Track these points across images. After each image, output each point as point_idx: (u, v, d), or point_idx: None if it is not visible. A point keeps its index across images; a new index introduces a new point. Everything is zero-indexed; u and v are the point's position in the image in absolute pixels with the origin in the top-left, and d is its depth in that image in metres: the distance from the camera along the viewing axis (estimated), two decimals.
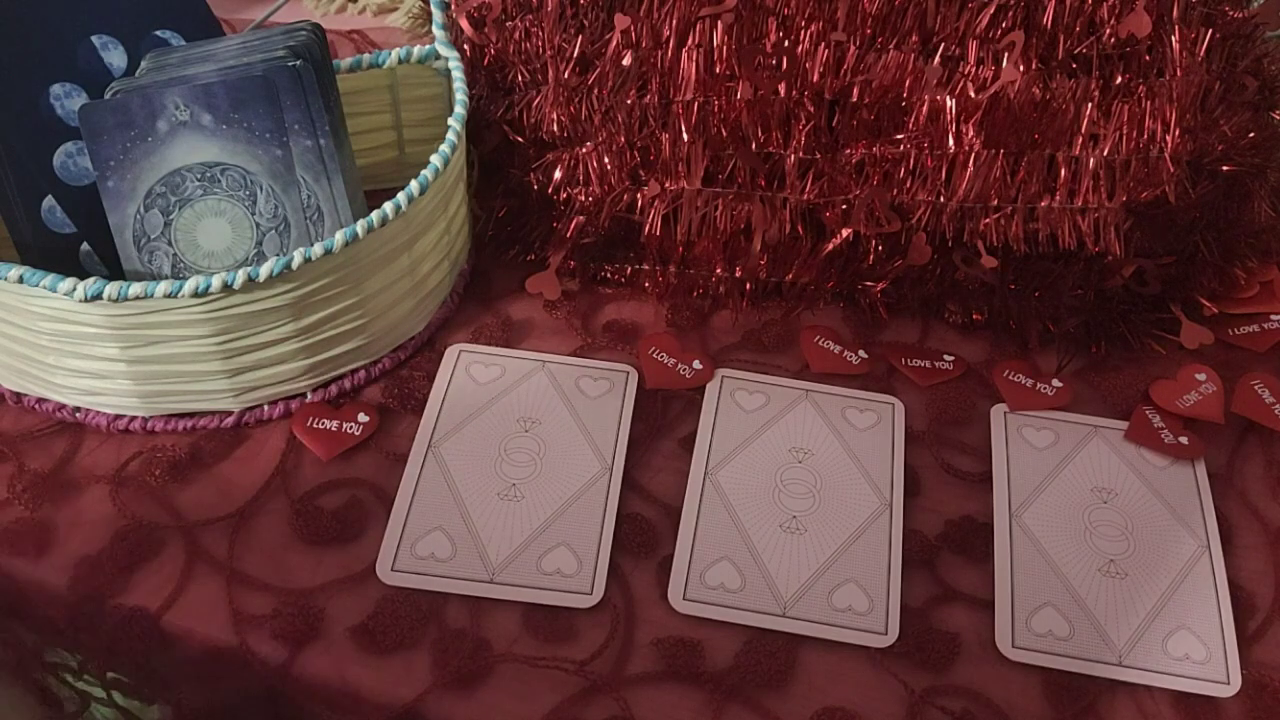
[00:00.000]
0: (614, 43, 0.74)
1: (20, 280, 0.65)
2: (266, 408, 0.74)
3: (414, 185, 0.71)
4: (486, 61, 0.80)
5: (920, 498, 0.73)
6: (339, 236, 0.68)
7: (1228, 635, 0.67)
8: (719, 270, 0.81)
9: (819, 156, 0.74)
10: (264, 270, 0.66)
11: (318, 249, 0.67)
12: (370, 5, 1.05)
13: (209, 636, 0.65)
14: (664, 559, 0.69)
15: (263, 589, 0.67)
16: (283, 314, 0.69)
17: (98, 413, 0.73)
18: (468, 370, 0.78)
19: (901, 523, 0.71)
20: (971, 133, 0.71)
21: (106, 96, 0.69)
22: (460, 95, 0.77)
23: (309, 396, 0.75)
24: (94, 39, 0.74)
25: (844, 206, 0.75)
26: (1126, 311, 0.79)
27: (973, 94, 0.71)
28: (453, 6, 0.81)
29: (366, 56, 0.82)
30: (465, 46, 0.81)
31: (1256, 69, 0.77)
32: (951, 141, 0.71)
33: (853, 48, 0.72)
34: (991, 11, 0.73)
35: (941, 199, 0.73)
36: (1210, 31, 0.74)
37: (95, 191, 0.70)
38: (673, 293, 0.83)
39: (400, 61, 0.82)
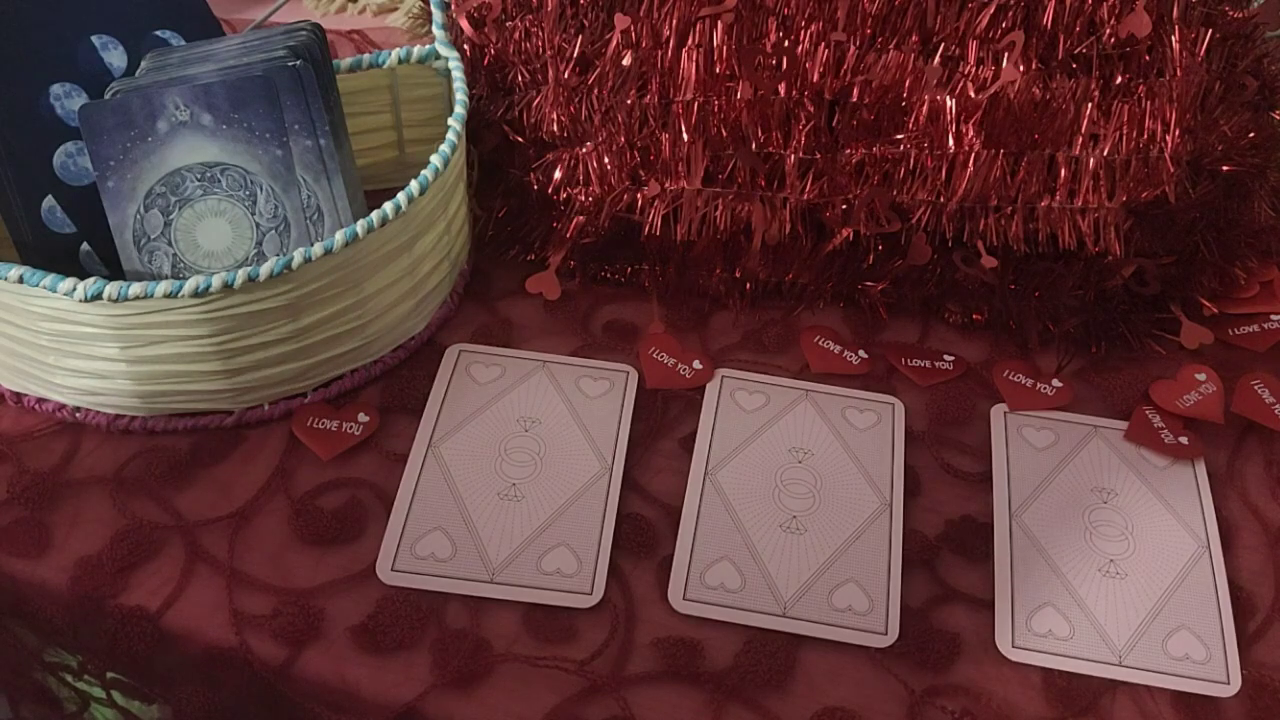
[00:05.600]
0: (614, 43, 0.74)
1: (20, 280, 0.65)
2: (266, 408, 0.74)
3: (414, 185, 0.71)
4: (486, 61, 0.80)
5: (920, 498, 0.73)
6: (339, 236, 0.68)
7: (1228, 635, 0.67)
8: (719, 270, 0.81)
9: (819, 156, 0.74)
10: (264, 270, 0.66)
11: (317, 249, 0.67)
12: (370, 5, 1.05)
13: (209, 636, 0.65)
14: (664, 559, 0.69)
15: (263, 589, 0.67)
16: (282, 314, 0.69)
17: (98, 413, 0.73)
18: (468, 370, 0.78)
19: (901, 523, 0.71)
20: (971, 133, 0.71)
21: (106, 96, 0.69)
22: (460, 95, 0.77)
23: (309, 396, 0.75)
24: (94, 39, 0.74)
25: (844, 206, 0.75)
26: (1126, 311, 0.79)
27: (973, 94, 0.71)
28: (453, 6, 0.81)
29: (366, 56, 0.82)
30: (465, 46, 0.81)
31: (1256, 69, 0.77)
32: (951, 141, 0.71)
33: (853, 48, 0.72)
34: (991, 11, 0.73)
35: (941, 199, 0.73)
36: (1210, 31, 0.74)
37: (95, 191, 0.71)
38: (673, 293, 0.83)
39: (400, 61, 0.82)
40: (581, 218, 0.79)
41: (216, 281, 0.66)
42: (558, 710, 0.63)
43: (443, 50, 0.80)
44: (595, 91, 0.75)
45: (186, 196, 0.71)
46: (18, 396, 0.75)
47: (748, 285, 0.82)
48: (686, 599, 0.67)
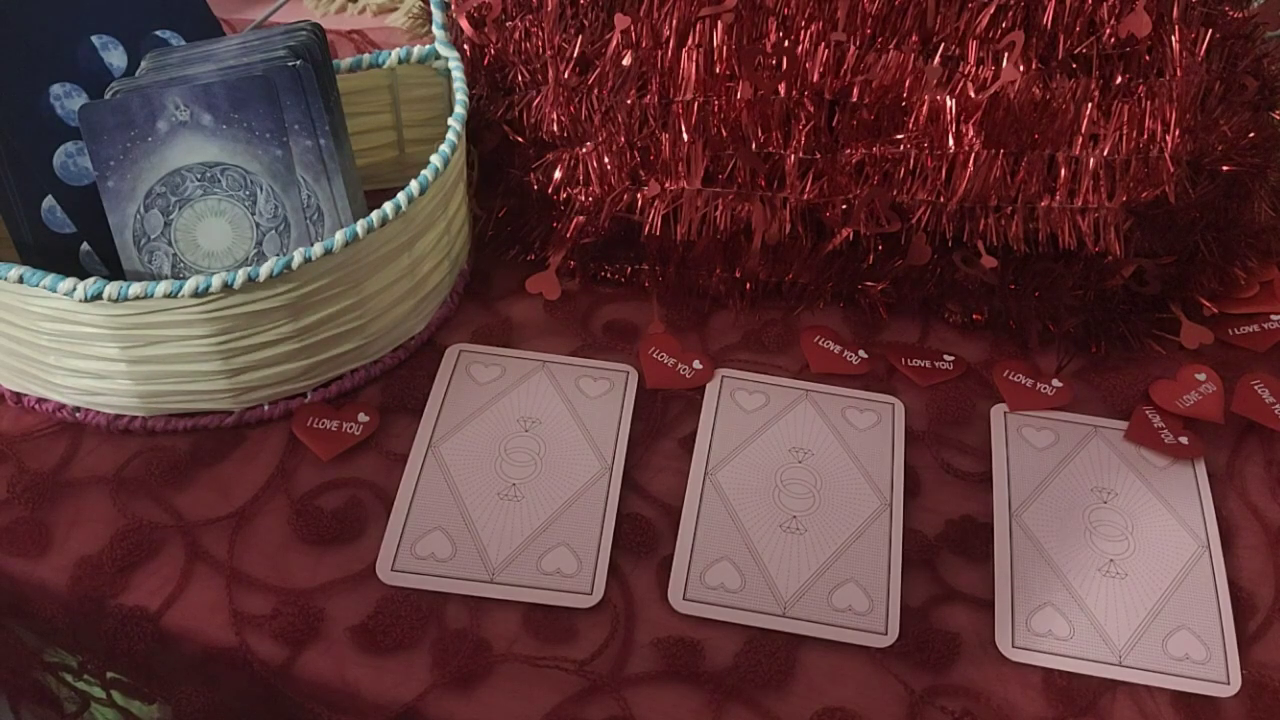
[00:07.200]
0: (614, 43, 0.74)
1: (20, 280, 0.65)
2: (266, 408, 0.74)
3: (414, 185, 0.71)
4: (486, 61, 0.80)
5: (920, 498, 0.73)
6: (339, 236, 0.68)
7: (1228, 635, 0.67)
8: (719, 270, 0.81)
9: (819, 156, 0.74)
10: (264, 270, 0.66)
11: (318, 249, 0.67)
12: (370, 5, 1.06)
13: (209, 636, 0.65)
14: (664, 559, 0.69)
15: (263, 589, 0.67)
16: (282, 314, 0.69)
17: (98, 413, 0.73)
18: (468, 370, 0.78)
19: (901, 523, 0.71)
20: (971, 133, 0.71)
21: (106, 96, 0.69)
22: (460, 95, 0.77)
23: (309, 396, 0.75)
24: (94, 39, 0.74)
25: (844, 206, 0.75)
26: (1126, 311, 0.79)
27: (973, 94, 0.71)
28: (453, 6, 0.81)
29: (366, 56, 0.82)
30: (465, 46, 0.81)
31: (1256, 69, 0.77)
32: (951, 141, 0.71)
33: (853, 48, 0.72)
34: (991, 11, 0.73)
35: (941, 199, 0.73)
36: (1210, 31, 0.74)
37: (95, 191, 0.71)
38: (673, 293, 0.83)
39: (400, 61, 0.82)
40: (581, 218, 0.79)
41: (216, 281, 0.66)
42: (558, 710, 0.63)
43: (443, 50, 0.80)
44: (595, 91, 0.75)
45: (186, 196, 0.71)
46: (18, 396, 0.75)
47: (748, 285, 0.82)
48: (686, 599, 0.67)
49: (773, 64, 0.72)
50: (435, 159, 0.72)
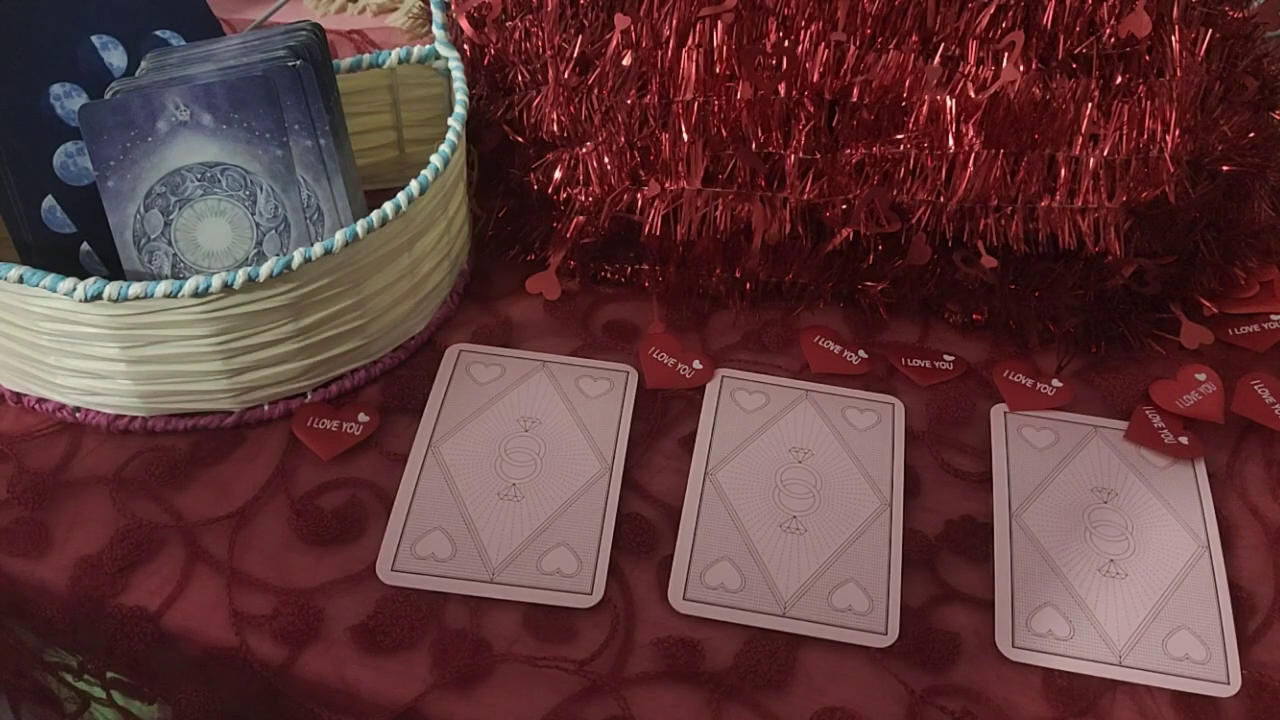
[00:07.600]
0: (614, 43, 0.74)
1: (20, 280, 0.65)
2: (266, 408, 0.74)
3: (414, 185, 0.71)
4: (486, 61, 0.80)
5: (920, 498, 0.73)
6: (339, 236, 0.68)
7: (1228, 635, 0.67)
8: (719, 270, 0.81)
9: (819, 156, 0.74)
10: (264, 270, 0.66)
11: (318, 249, 0.67)
12: (370, 5, 1.06)
13: (209, 636, 0.65)
14: (664, 559, 0.69)
15: (263, 589, 0.67)
16: (282, 314, 0.69)
17: (98, 413, 0.73)
18: (468, 370, 0.78)
19: (901, 523, 0.71)
20: (971, 133, 0.71)
21: (106, 96, 0.69)
22: (460, 95, 0.77)
23: (309, 396, 0.75)
24: (94, 39, 0.74)
25: (844, 206, 0.75)
26: (1126, 311, 0.79)
27: (973, 94, 0.71)
28: (453, 6, 0.81)
29: (366, 56, 0.82)
30: (465, 46, 0.81)
31: (1256, 69, 0.77)
32: (951, 141, 0.71)
33: (853, 48, 0.72)
34: (991, 11, 0.73)
35: (941, 199, 0.73)
36: (1210, 31, 0.74)
37: (95, 191, 0.71)
38: (673, 293, 0.83)
39: (400, 61, 0.82)
40: (581, 218, 0.79)
41: (216, 281, 0.66)
42: (558, 710, 0.63)
43: (443, 50, 0.80)
44: (595, 91, 0.75)
45: (186, 196, 0.71)
46: (18, 396, 0.75)
47: (748, 285, 0.82)
48: (686, 599, 0.67)
49: (773, 64, 0.72)
50: (435, 159, 0.72)
